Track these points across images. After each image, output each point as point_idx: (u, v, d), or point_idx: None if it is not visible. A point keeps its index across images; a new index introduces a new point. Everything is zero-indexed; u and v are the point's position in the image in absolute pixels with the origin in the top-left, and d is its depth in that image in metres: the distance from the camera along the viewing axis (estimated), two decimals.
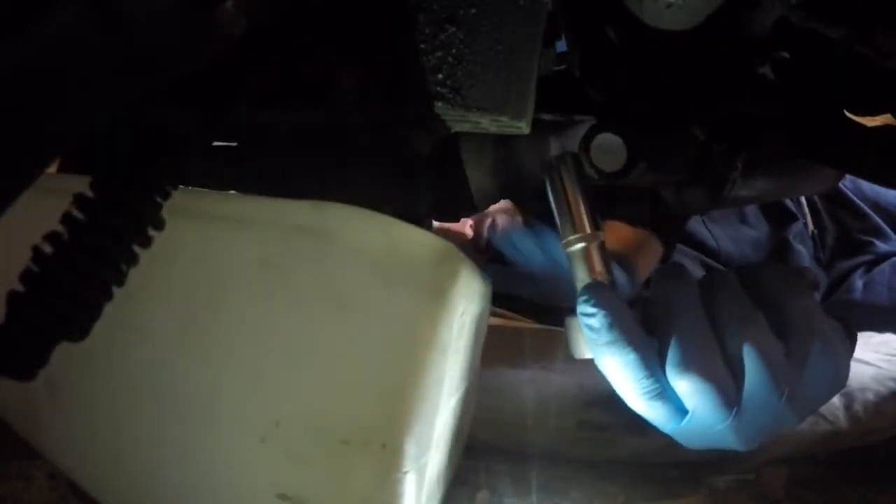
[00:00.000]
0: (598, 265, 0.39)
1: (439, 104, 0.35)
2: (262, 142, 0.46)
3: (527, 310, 0.73)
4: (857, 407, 0.60)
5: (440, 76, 0.34)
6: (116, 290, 0.24)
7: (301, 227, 0.38)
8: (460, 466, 0.51)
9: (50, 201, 0.25)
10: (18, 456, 0.53)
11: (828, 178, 0.53)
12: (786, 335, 0.37)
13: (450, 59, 0.34)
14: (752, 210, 0.93)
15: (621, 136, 0.40)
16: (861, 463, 0.60)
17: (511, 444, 0.58)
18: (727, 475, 0.58)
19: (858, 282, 0.90)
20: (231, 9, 0.24)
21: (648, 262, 0.73)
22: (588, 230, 0.39)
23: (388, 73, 0.35)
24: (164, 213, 0.25)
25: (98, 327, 0.24)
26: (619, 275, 0.70)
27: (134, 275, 0.25)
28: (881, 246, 0.93)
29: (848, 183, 0.96)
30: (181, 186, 0.27)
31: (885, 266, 0.91)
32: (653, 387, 0.36)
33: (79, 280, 0.23)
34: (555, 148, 0.45)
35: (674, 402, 0.37)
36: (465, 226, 0.88)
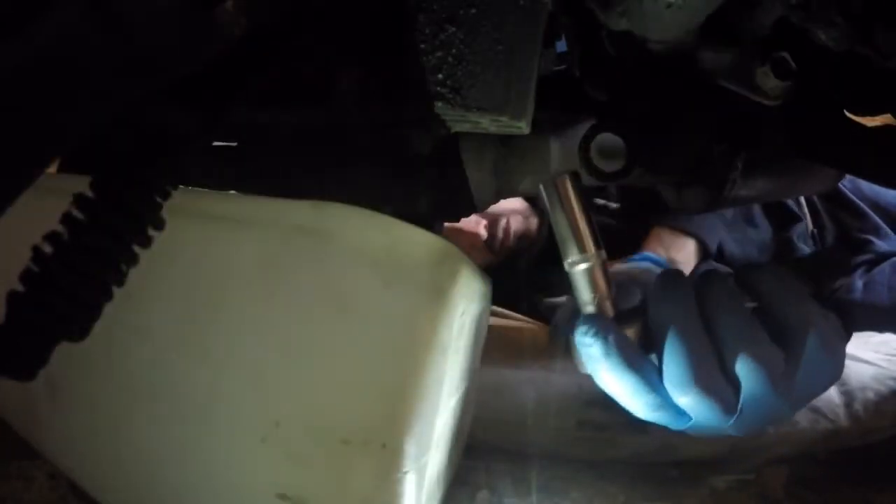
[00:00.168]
0: (602, 284, 0.39)
1: (439, 104, 0.35)
2: (262, 142, 0.46)
3: (527, 310, 0.73)
4: (858, 406, 0.60)
5: (440, 76, 0.34)
6: (116, 290, 0.24)
7: (301, 227, 0.38)
8: (460, 466, 0.51)
9: (50, 201, 0.25)
10: (18, 456, 0.53)
11: (828, 178, 0.53)
12: (781, 330, 0.37)
13: (450, 59, 0.34)
14: (757, 212, 0.93)
15: (621, 136, 0.40)
16: (861, 463, 0.60)
17: (511, 444, 0.58)
18: (727, 475, 0.58)
19: (858, 282, 0.90)
20: (231, 9, 0.24)
21: (689, 263, 0.82)
22: (592, 250, 0.39)
23: (388, 73, 0.35)
24: (164, 213, 0.25)
25: (98, 327, 0.24)
26: None
27: (134, 275, 0.25)
28: (881, 245, 0.93)
29: (847, 182, 0.96)
30: (181, 186, 0.27)
31: (885, 266, 0.91)
32: (655, 401, 0.38)
33: (79, 280, 0.23)
34: (555, 148, 0.45)
35: (676, 409, 0.38)
36: (479, 226, 0.87)
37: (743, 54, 0.37)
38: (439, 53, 0.34)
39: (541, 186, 0.40)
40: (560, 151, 0.45)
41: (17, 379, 0.22)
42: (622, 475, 0.57)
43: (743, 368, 0.36)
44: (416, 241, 0.37)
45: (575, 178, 0.39)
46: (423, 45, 0.34)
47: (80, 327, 0.24)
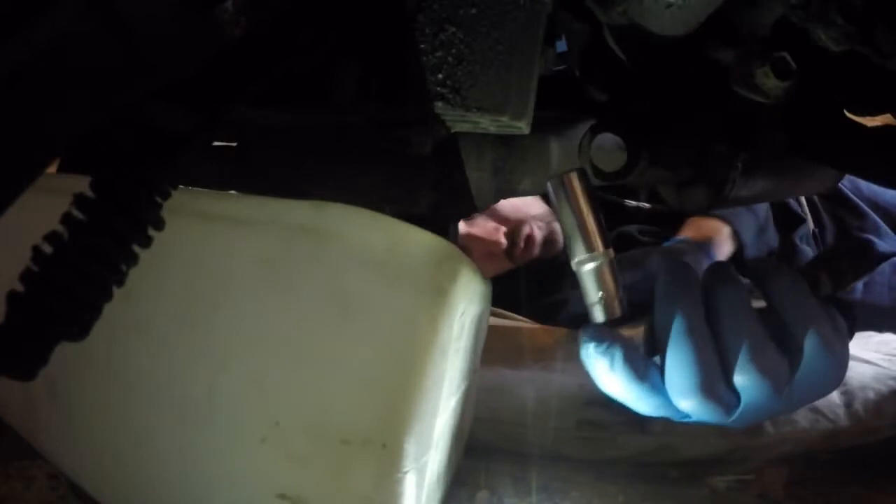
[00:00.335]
0: (610, 284, 0.39)
1: (439, 104, 0.35)
2: (262, 142, 0.46)
3: (527, 311, 0.73)
4: (858, 406, 0.60)
5: (440, 76, 0.34)
6: (116, 290, 0.24)
7: (301, 227, 0.38)
8: (460, 466, 0.51)
9: (50, 201, 0.25)
10: (18, 456, 0.53)
11: (828, 178, 0.53)
12: (785, 331, 0.37)
13: (450, 59, 0.34)
14: (770, 218, 0.93)
15: (621, 136, 0.40)
16: (861, 463, 0.60)
17: (511, 444, 0.58)
18: (727, 475, 0.58)
19: (859, 282, 0.90)
20: (231, 9, 0.24)
21: (724, 245, 0.83)
22: (600, 248, 0.38)
23: (388, 72, 0.35)
24: (164, 213, 0.25)
25: (98, 327, 0.24)
26: (704, 259, 0.79)
27: (134, 275, 0.25)
28: (881, 245, 0.93)
29: (846, 182, 0.96)
30: (181, 186, 0.27)
31: (885, 266, 0.91)
32: (658, 403, 0.38)
33: (79, 280, 0.23)
34: (555, 148, 0.45)
35: (677, 408, 0.38)
36: (499, 233, 0.84)
37: (743, 54, 0.37)
38: (439, 53, 0.34)
39: (548, 184, 0.40)
40: (560, 151, 0.45)
41: (17, 379, 0.22)
42: (622, 475, 0.57)
43: (746, 377, 0.36)
44: (416, 241, 0.37)
45: (582, 174, 0.39)
46: (423, 45, 0.34)
47: (80, 327, 0.24)
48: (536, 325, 0.68)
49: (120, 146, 0.25)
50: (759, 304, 0.39)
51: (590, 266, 0.39)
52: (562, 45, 0.43)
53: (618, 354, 0.37)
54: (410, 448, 0.35)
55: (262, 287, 0.38)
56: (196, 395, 0.39)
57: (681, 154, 0.43)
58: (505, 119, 0.35)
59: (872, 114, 0.42)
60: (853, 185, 0.97)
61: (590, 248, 0.38)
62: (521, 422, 0.57)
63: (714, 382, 0.36)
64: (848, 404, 0.60)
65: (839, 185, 0.94)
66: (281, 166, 0.46)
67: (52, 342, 0.23)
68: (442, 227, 0.38)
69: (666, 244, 0.83)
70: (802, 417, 0.58)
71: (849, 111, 0.42)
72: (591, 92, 0.42)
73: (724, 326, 0.37)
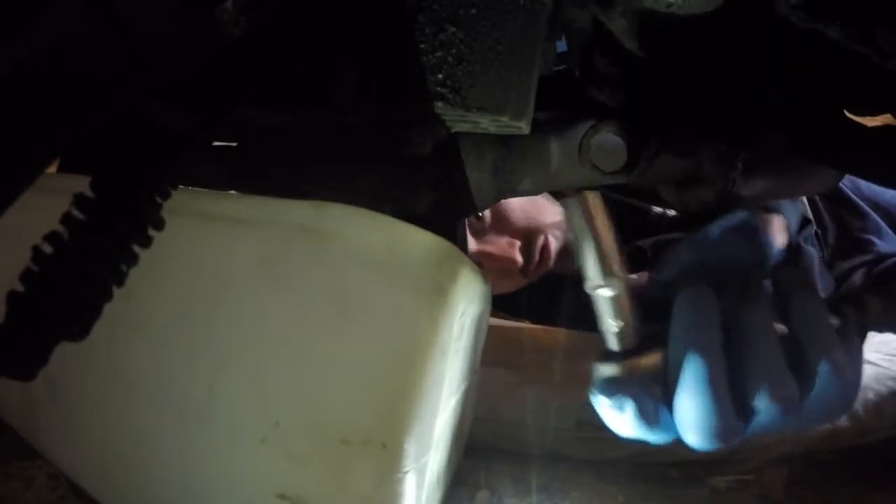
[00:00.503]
0: (626, 312, 0.38)
1: (439, 104, 0.35)
2: (262, 142, 0.46)
3: (527, 312, 0.73)
4: (857, 406, 0.60)
5: (440, 76, 0.34)
6: (116, 290, 0.24)
7: (301, 227, 0.38)
8: (460, 466, 0.51)
9: (50, 201, 0.25)
10: (18, 456, 0.53)
11: (828, 178, 0.53)
12: (798, 351, 0.37)
13: (450, 59, 0.34)
14: None
15: (621, 136, 0.40)
16: (861, 463, 0.60)
17: (511, 444, 0.58)
18: (727, 475, 0.58)
19: (859, 282, 0.90)
20: (231, 9, 0.24)
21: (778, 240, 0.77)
22: (619, 274, 0.37)
23: (388, 72, 0.35)
24: (164, 213, 0.25)
25: (98, 327, 0.24)
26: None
27: (134, 275, 0.25)
28: (882, 245, 0.93)
29: (847, 182, 0.96)
30: (181, 186, 0.27)
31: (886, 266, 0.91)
32: (667, 439, 0.38)
33: (79, 280, 0.23)
34: (555, 148, 0.45)
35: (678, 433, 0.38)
36: (514, 250, 0.78)
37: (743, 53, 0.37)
38: (439, 53, 0.34)
39: (565, 202, 0.39)
40: (560, 151, 0.45)
41: (17, 379, 0.22)
42: (622, 475, 0.57)
43: (760, 406, 0.36)
44: (416, 241, 0.37)
45: (600, 195, 0.38)
46: (423, 45, 0.34)
47: (80, 327, 0.24)
48: (536, 326, 0.68)
49: (120, 146, 0.25)
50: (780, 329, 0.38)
51: (607, 293, 0.37)
52: (562, 45, 0.43)
53: (628, 407, 0.37)
54: (410, 448, 0.35)
55: (262, 287, 0.38)
56: (196, 395, 0.39)
57: (681, 154, 0.43)
58: (505, 119, 0.35)
59: (872, 114, 0.42)
60: (854, 185, 0.96)
61: (608, 273, 0.37)
62: (521, 422, 0.57)
63: (727, 421, 0.36)
64: None
65: (840, 185, 0.94)
66: (281, 166, 0.46)
67: (52, 342, 0.23)
68: (442, 227, 0.38)
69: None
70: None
71: (849, 111, 0.42)
72: (591, 92, 0.42)
73: (747, 354, 0.36)
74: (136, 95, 0.22)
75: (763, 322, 0.37)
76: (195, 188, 0.44)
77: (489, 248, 0.78)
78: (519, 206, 0.80)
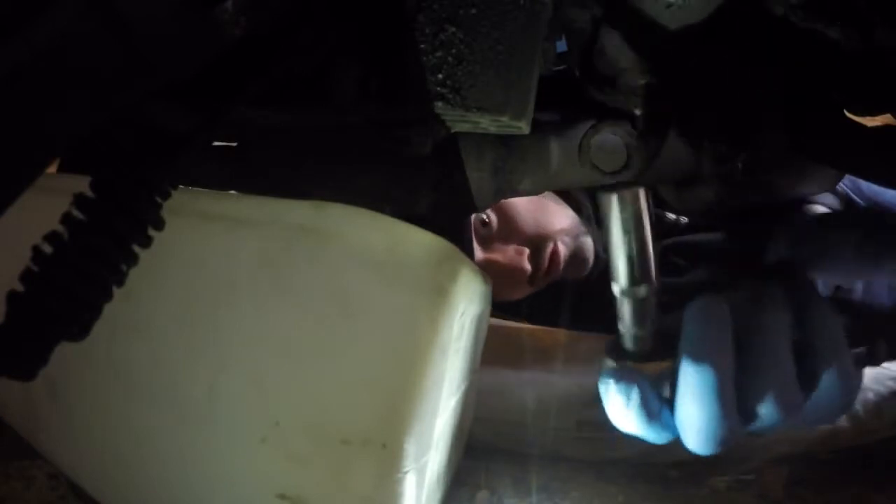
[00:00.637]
0: (650, 318, 0.37)
1: (439, 104, 0.35)
2: (262, 142, 0.46)
3: (528, 315, 0.73)
4: (858, 406, 0.60)
5: (440, 76, 0.34)
6: (116, 290, 0.24)
7: (301, 227, 0.38)
8: (460, 466, 0.51)
9: (50, 201, 0.25)
10: (18, 456, 0.53)
11: (828, 178, 0.53)
12: (806, 353, 0.37)
13: (450, 59, 0.34)
14: None
15: (621, 136, 0.40)
16: (861, 463, 0.60)
17: (511, 445, 0.58)
18: (727, 475, 0.58)
19: (859, 282, 0.90)
20: (231, 9, 0.24)
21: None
22: (653, 279, 0.36)
23: (388, 72, 0.35)
24: (164, 213, 0.25)
25: (98, 327, 0.24)
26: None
27: (134, 275, 0.25)
28: None
29: (847, 182, 0.96)
30: (181, 186, 0.27)
31: None
32: (665, 439, 0.38)
33: (79, 280, 0.23)
34: (555, 148, 0.45)
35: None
36: (522, 258, 0.74)
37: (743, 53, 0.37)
38: (439, 53, 0.34)
39: (608, 198, 0.37)
40: (560, 151, 0.45)
41: (17, 379, 0.22)
42: (622, 475, 0.57)
43: (765, 411, 0.36)
44: (416, 241, 0.37)
45: (646, 195, 0.36)
46: (423, 45, 0.34)
47: (80, 327, 0.24)
48: (536, 326, 0.68)
49: (120, 146, 0.25)
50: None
51: (638, 296, 0.37)
52: (562, 45, 0.43)
53: (634, 395, 0.37)
54: (410, 448, 0.35)
55: (262, 287, 0.38)
56: (196, 395, 0.39)
57: (680, 154, 0.43)
58: (505, 119, 0.35)
59: (872, 114, 0.42)
60: (854, 185, 0.96)
61: (644, 277, 0.36)
62: (521, 422, 0.57)
63: (730, 432, 0.36)
64: None
65: (840, 184, 0.94)
66: (281, 166, 0.46)
67: (52, 342, 0.23)
68: (445, 228, 0.38)
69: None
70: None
71: (849, 111, 0.42)
72: (591, 92, 0.42)
73: (758, 357, 0.36)
74: (136, 95, 0.22)
75: (778, 325, 0.37)
76: (195, 188, 0.44)
77: (496, 256, 0.75)
78: (527, 211, 0.77)
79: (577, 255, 0.77)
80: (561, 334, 0.65)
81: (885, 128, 0.40)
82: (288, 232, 0.39)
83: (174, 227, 0.26)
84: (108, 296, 0.24)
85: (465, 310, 0.38)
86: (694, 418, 0.36)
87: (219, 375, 0.38)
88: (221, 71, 0.26)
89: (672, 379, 0.37)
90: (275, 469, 0.37)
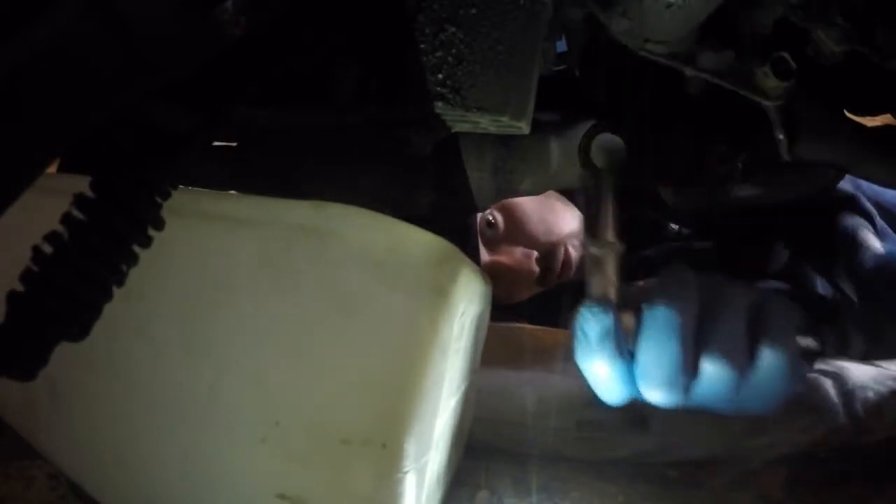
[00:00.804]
0: (611, 273, 0.40)
1: (439, 104, 0.35)
2: (262, 142, 0.46)
3: (528, 315, 0.73)
4: (857, 406, 0.60)
5: (440, 76, 0.34)
6: (116, 290, 0.24)
7: (302, 227, 0.38)
8: (460, 466, 0.51)
9: (50, 201, 0.25)
10: (18, 456, 0.53)
11: (828, 178, 0.53)
12: (757, 333, 0.39)
13: (450, 59, 0.34)
14: None
15: (621, 136, 0.40)
16: (861, 463, 0.60)
17: (511, 445, 0.58)
18: (727, 475, 0.58)
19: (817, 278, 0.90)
20: (231, 9, 0.24)
21: None
22: (612, 239, 0.40)
23: (388, 72, 0.35)
24: (164, 213, 0.25)
25: (98, 327, 0.24)
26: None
27: (134, 275, 0.25)
28: (883, 245, 0.93)
29: (848, 182, 0.96)
30: (181, 186, 0.27)
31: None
32: (623, 394, 0.41)
33: (79, 280, 0.23)
34: (555, 148, 0.45)
35: (636, 392, 0.41)
36: (531, 261, 0.74)
37: (743, 54, 0.37)
38: (439, 53, 0.34)
39: (584, 173, 0.41)
40: (560, 151, 0.45)
41: (17, 379, 0.22)
42: (622, 475, 0.57)
43: (714, 367, 0.38)
44: (416, 241, 0.37)
45: (616, 174, 0.40)
46: (423, 45, 0.34)
47: (80, 327, 0.24)
48: (536, 326, 0.68)
49: (120, 146, 0.25)
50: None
51: (598, 252, 0.40)
52: (562, 45, 0.43)
53: (608, 324, 0.38)
54: (410, 448, 0.35)
55: (262, 287, 0.38)
56: (196, 395, 0.39)
57: (680, 154, 0.43)
58: (505, 119, 0.35)
59: (872, 114, 0.42)
60: (855, 185, 0.96)
61: (603, 236, 0.40)
62: (521, 422, 0.57)
63: (679, 374, 0.38)
64: (847, 404, 0.60)
65: (840, 185, 0.94)
66: (281, 166, 0.46)
67: (52, 342, 0.23)
68: (442, 227, 0.38)
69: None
70: (801, 418, 0.58)
71: (849, 111, 0.42)
72: (591, 92, 0.42)
73: (715, 319, 0.39)
74: (136, 95, 0.22)
75: (738, 300, 0.40)
76: (195, 188, 0.44)
77: (503, 258, 0.75)
78: (535, 213, 0.76)
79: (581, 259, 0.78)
80: (561, 334, 0.64)
81: (885, 128, 0.40)
82: (288, 232, 0.39)
83: (174, 227, 0.26)
84: (108, 296, 0.24)
85: (465, 310, 0.38)
86: (655, 356, 0.38)
87: (219, 375, 0.38)
88: (221, 71, 0.26)
89: (637, 330, 0.40)
90: (275, 469, 0.37)
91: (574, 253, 0.76)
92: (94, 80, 0.20)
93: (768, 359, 0.39)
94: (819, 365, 0.51)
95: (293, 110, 0.37)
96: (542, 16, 0.35)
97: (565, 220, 0.78)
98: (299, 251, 0.38)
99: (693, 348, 0.38)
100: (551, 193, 0.78)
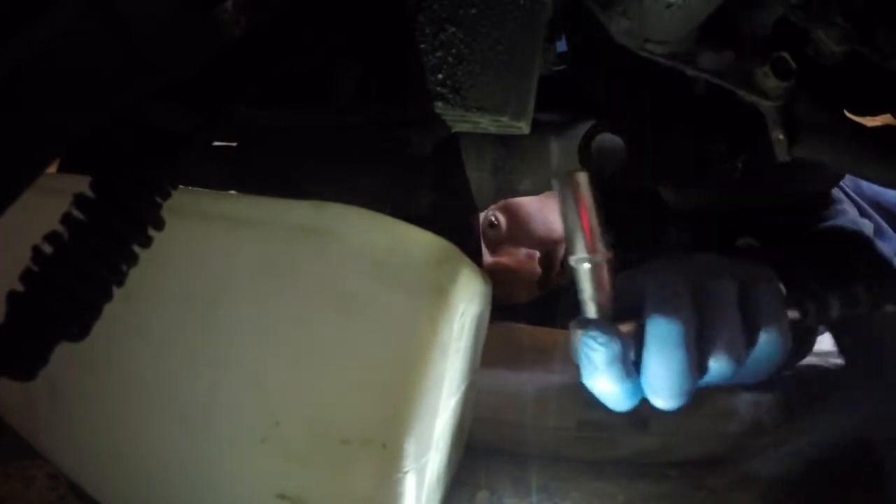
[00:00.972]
0: (606, 283, 0.40)
1: (439, 104, 0.35)
2: (262, 142, 0.46)
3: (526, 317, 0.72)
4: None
5: (440, 76, 0.34)
6: (116, 290, 0.24)
7: (301, 227, 0.38)
8: (460, 466, 0.51)
9: (50, 201, 0.25)
10: (18, 456, 0.53)
11: (828, 178, 0.53)
12: (747, 314, 0.40)
13: (450, 59, 0.34)
14: None
15: (621, 136, 0.40)
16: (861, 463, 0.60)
17: (511, 445, 0.58)
18: (727, 475, 0.58)
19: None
20: (231, 9, 0.24)
21: None
22: (601, 249, 0.39)
23: (388, 72, 0.35)
24: (164, 213, 0.25)
25: (98, 327, 0.24)
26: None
27: (134, 275, 0.25)
28: (882, 246, 0.93)
29: (848, 181, 0.96)
30: (181, 186, 0.27)
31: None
32: (630, 403, 0.40)
33: (79, 280, 0.23)
34: (555, 148, 0.45)
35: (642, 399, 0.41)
36: (533, 262, 0.74)
37: (743, 54, 0.37)
38: (439, 53, 0.34)
39: (555, 182, 0.40)
40: (560, 151, 0.45)
41: (17, 379, 0.22)
42: (622, 475, 0.57)
43: (719, 364, 0.39)
44: (416, 241, 0.37)
45: (589, 176, 0.39)
46: (423, 45, 0.34)
47: (80, 327, 0.24)
48: (536, 326, 0.68)
49: (120, 146, 0.25)
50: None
51: (587, 265, 0.39)
52: (562, 45, 0.43)
53: (615, 351, 0.38)
54: (410, 448, 0.35)
55: (262, 287, 0.38)
56: (196, 395, 0.39)
57: (680, 154, 0.43)
58: (505, 119, 0.35)
59: (872, 114, 0.42)
60: (855, 185, 0.96)
61: (590, 248, 0.39)
62: (521, 422, 0.57)
63: (692, 386, 0.39)
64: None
65: (841, 184, 0.94)
66: (281, 166, 0.46)
67: (52, 342, 0.23)
68: (442, 227, 0.38)
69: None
70: (801, 419, 0.58)
71: (849, 111, 0.42)
72: (591, 92, 0.42)
73: (710, 317, 0.40)
74: (136, 95, 0.22)
75: (727, 291, 0.40)
76: (195, 188, 0.44)
77: (505, 259, 0.75)
78: (538, 214, 0.76)
79: None
80: (560, 334, 0.64)
81: (885, 128, 0.40)
82: (288, 232, 0.39)
83: (174, 227, 0.26)
84: (108, 296, 0.24)
85: (465, 310, 0.38)
86: (663, 370, 0.38)
87: (219, 375, 0.38)
88: (221, 71, 0.26)
89: (637, 340, 0.40)
90: (275, 469, 0.37)
91: None
92: (94, 80, 0.20)
93: (764, 341, 0.40)
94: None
95: (293, 110, 0.37)
96: (542, 16, 0.35)
97: None
98: (299, 251, 0.38)
99: (696, 354, 0.39)
100: (552, 193, 0.79)
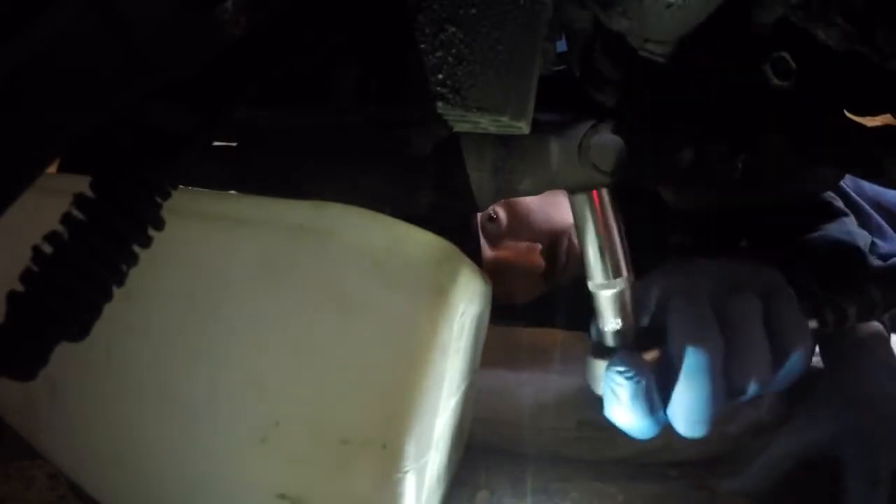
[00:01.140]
0: (629, 312, 0.38)
1: (439, 104, 0.35)
2: (262, 142, 0.46)
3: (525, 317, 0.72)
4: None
5: (440, 76, 0.34)
6: (116, 290, 0.24)
7: (301, 227, 0.38)
8: (460, 466, 0.51)
9: (50, 201, 0.25)
10: (18, 456, 0.53)
11: (828, 178, 0.53)
12: (774, 332, 0.40)
13: (450, 59, 0.34)
14: None
15: (621, 136, 0.40)
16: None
17: (511, 445, 0.58)
18: (727, 475, 0.58)
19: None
20: (231, 9, 0.24)
21: None
22: (625, 273, 0.37)
23: (388, 72, 0.35)
24: (164, 213, 0.25)
25: (98, 327, 0.24)
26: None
27: (134, 275, 0.25)
28: (883, 246, 0.93)
29: (849, 182, 0.96)
30: (181, 186, 0.27)
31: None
32: (653, 431, 0.40)
33: (79, 280, 0.23)
34: (555, 148, 0.45)
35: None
36: (535, 254, 0.73)
37: (743, 54, 0.37)
38: (439, 53, 0.34)
39: (573, 198, 0.38)
40: (560, 151, 0.45)
41: (17, 379, 0.22)
42: (622, 475, 0.57)
43: (745, 387, 0.39)
44: (416, 241, 0.37)
45: (609, 192, 0.37)
46: (423, 45, 0.34)
47: (80, 327, 0.24)
48: (535, 327, 0.68)
49: (120, 146, 0.25)
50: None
51: (611, 292, 0.37)
52: (562, 45, 0.43)
53: (642, 386, 0.37)
54: (410, 448, 0.35)
55: (262, 287, 0.38)
56: (196, 395, 0.39)
57: (680, 154, 0.43)
58: (505, 119, 0.35)
59: (872, 114, 0.42)
60: (856, 185, 0.96)
61: (616, 272, 0.37)
62: (521, 422, 0.57)
63: (718, 413, 0.38)
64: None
65: (841, 184, 0.94)
66: (281, 166, 0.46)
67: (52, 342, 0.23)
68: (442, 227, 0.38)
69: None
70: (800, 419, 0.58)
71: (849, 111, 0.42)
72: (591, 92, 0.42)
73: (737, 341, 0.38)
74: (136, 95, 0.22)
75: (752, 312, 0.39)
76: (195, 188, 0.44)
77: (507, 253, 0.73)
78: (538, 207, 0.75)
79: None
80: (559, 335, 0.65)
81: (885, 128, 0.40)
82: (288, 232, 0.39)
83: (174, 227, 0.26)
84: (108, 296, 0.24)
85: (465, 310, 0.38)
86: (692, 401, 0.37)
87: (218, 375, 0.38)
88: (221, 71, 0.26)
89: (661, 369, 0.38)
90: (275, 469, 0.37)
91: (577, 245, 0.75)
92: (94, 80, 0.20)
93: (791, 361, 0.39)
94: None
95: (293, 110, 0.37)
96: (542, 16, 0.35)
97: (568, 212, 0.78)
98: (299, 251, 0.38)
99: (724, 380, 0.38)
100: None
